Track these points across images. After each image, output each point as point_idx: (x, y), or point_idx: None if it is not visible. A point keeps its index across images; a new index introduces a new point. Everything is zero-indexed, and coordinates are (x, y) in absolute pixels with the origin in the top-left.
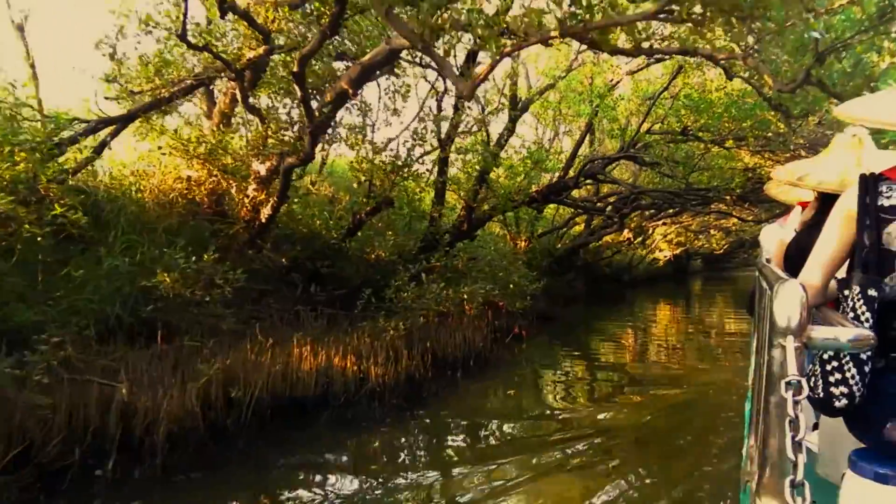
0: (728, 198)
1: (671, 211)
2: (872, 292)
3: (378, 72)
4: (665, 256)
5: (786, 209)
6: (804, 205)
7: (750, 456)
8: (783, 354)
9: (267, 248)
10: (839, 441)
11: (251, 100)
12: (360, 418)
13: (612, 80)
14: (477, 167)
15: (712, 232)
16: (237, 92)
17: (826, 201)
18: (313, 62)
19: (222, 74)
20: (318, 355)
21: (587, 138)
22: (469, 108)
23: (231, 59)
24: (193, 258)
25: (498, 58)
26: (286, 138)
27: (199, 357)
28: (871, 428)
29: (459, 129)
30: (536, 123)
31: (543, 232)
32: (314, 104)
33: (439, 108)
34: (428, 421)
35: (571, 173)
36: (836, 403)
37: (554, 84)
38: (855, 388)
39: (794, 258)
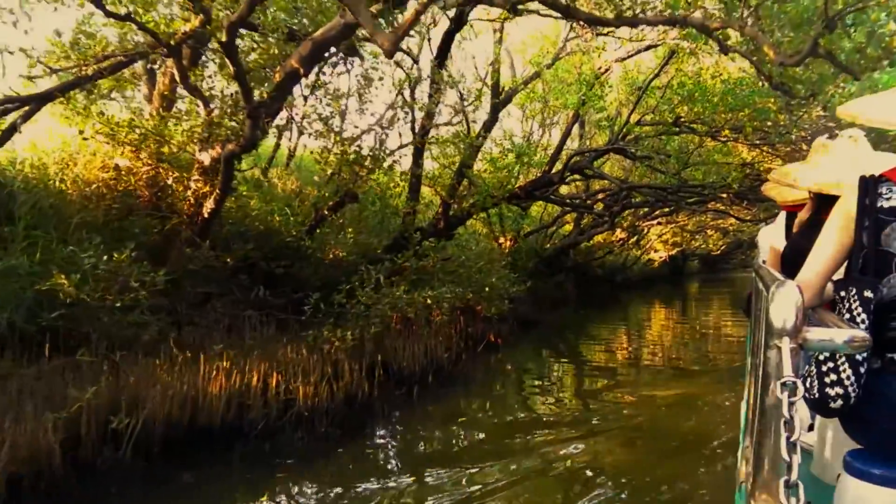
0: (725, 196)
1: (666, 210)
2: (868, 294)
3: (342, 54)
4: (660, 257)
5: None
6: (789, 208)
7: (745, 456)
8: (779, 355)
9: (206, 245)
10: (834, 442)
11: (194, 80)
12: (281, 452)
13: (600, 68)
14: (455, 160)
15: (709, 232)
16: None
17: (822, 203)
18: (261, 40)
19: (156, 51)
20: (235, 373)
21: (576, 132)
22: (443, 94)
23: (164, 32)
24: (106, 257)
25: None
26: (230, 123)
27: (100, 373)
28: (867, 429)
29: (435, 120)
30: (523, 117)
31: (530, 231)
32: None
33: (412, 96)
34: (368, 453)
35: (557, 168)
36: (832, 404)
37: (539, 74)
38: (850, 388)
39: (791, 260)
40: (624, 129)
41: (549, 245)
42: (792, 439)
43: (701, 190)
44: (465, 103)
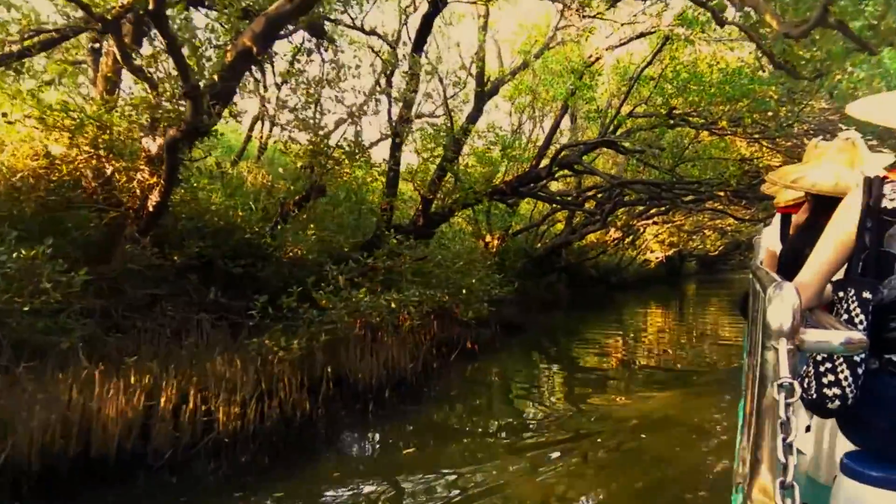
0: (722, 194)
1: (662, 209)
2: (867, 295)
3: (313, 38)
4: (657, 258)
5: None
6: (784, 210)
7: (742, 458)
8: (776, 357)
9: (147, 242)
10: (831, 444)
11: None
12: (190, 486)
13: (590, 57)
14: (438, 154)
15: (707, 233)
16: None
17: (820, 204)
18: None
19: (90, 26)
20: (139, 391)
21: (567, 126)
22: (423, 82)
23: (99, 5)
24: (16, 254)
25: None
26: (173, 107)
27: None
28: (864, 429)
29: (416, 110)
30: (511, 110)
31: (519, 230)
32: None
33: (388, 83)
34: (300, 485)
35: (545, 162)
36: (829, 405)
37: (527, 64)
38: (848, 389)
39: (789, 261)
40: (615, 121)
41: (539, 244)
42: (788, 440)
43: (697, 187)
44: (447, 93)
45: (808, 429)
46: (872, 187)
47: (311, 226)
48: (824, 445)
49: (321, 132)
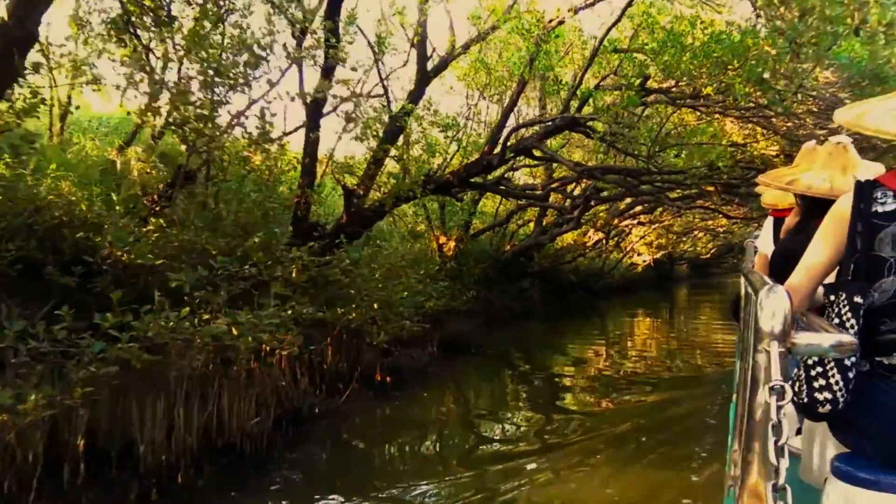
0: (712, 189)
1: (646, 206)
2: (858, 299)
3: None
4: (644, 261)
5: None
6: (776, 213)
7: (733, 461)
8: (767, 359)
9: None
10: (822, 446)
11: None
12: None
13: (551, 21)
14: (365, 139)
15: (698, 234)
16: None
17: (811, 207)
18: None
19: None
20: None
21: (530, 108)
22: (344, 53)
23: None
24: None
25: None
26: None
27: None
28: (855, 432)
29: (336, 84)
30: (467, 91)
31: (481, 230)
32: None
33: (299, 45)
34: None
35: (500, 150)
36: (820, 409)
37: (481, 35)
38: (839, 394)
39: (779, 264)
40: (577, 94)
41: (507, 247)
42: (780, 443)
43: (681, 178)
44: (388, 70)
45: (798, 431)
46: (863, 191)
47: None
48: (815, 448)
49: (210, 109)
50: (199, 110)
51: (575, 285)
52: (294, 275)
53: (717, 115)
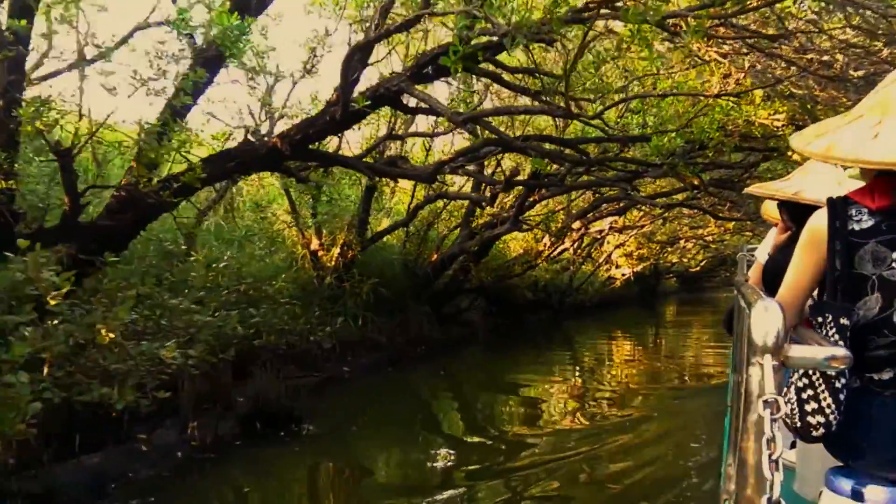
0: (697, 182)
1: (617, 206)
2: (844, 321)
3: None
4: (623, 275)
5: None
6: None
7: (728, 475)
8: (761, 373)
9: None
10: (817, 459)
11: None
12: None
13: None
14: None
15: (686, 245)
16: None
17: (802, 220)
18: None
19: None
20: None
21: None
22: None
23: None
24: None
25: None
26: None
27: None
28: (848, 447)
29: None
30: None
31: (381, 232)
32: None
33: None
34: None
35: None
36: (814, 433)
37: None
38: (831, 417)
39: (770, 279)
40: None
41: (434, 256)
42: (774, 457)
43: (651, 153)
44: None
45: (793, 445)
46: (837, 209)
47: None
48: (810, 461)
49: None
50: None
51: (535, 304)
52: None
53: (702, 50)
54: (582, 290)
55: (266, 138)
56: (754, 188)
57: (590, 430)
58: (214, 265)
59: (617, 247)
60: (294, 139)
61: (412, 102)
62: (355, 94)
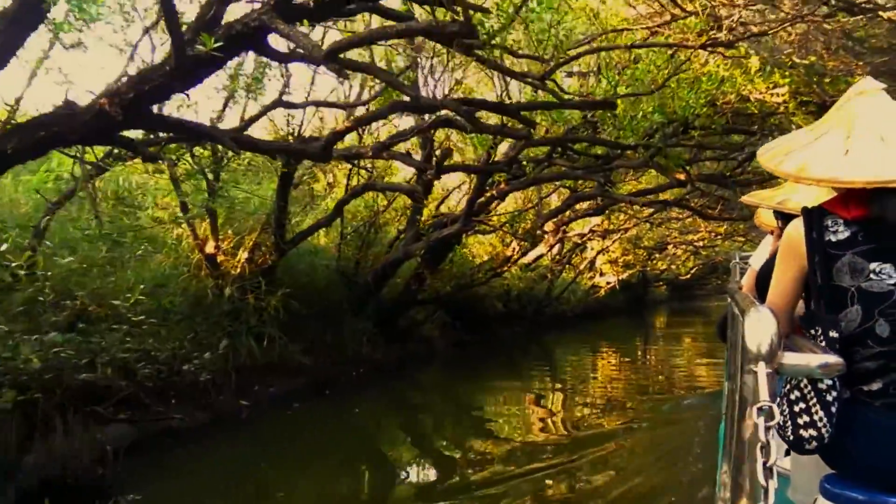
0: (682, 176)
1: (598, 203)
2: (834, 334)
3: None
4: (608, 283)
5: None
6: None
7: (723, 482)
8: (755, 380)
9: None
10: (811, 467)
11: None
12: None
13: None
14: None
15: (673, 250)
16: None
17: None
18: None
19: None
20: None
21: None
22: None
23: None
24: None
25: None
26: None
27: None
28: (841, 457)
29: None
30: None
31: (304, 231)
32: None
33: None
34: None
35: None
36: (807, 446)
37: None
38: (823, 430)
39: (764, 286)
40: None
41: (370, 261)
42: (769, 464)
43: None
44: None
45: (787, 452)
46: (813, 220)
47: None
48: (805, 469)
49: None
50: None
51: (507, 316)
52: None
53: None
54: (563, 300)
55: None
56: (746, 198)
57: (568, 464)
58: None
59: (599, 252)
60: (126, 99)
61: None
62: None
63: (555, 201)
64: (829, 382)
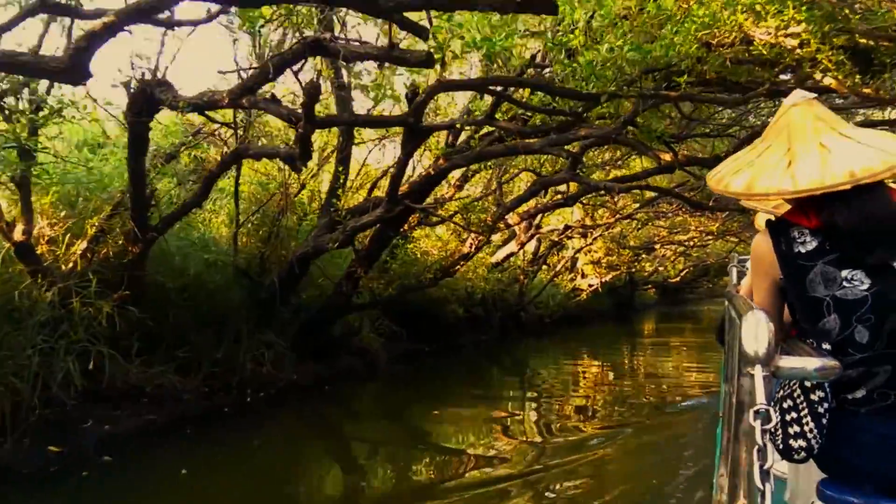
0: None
1: (571, 190)
2: (826, 346)
3: None
4: (591, 285)
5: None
6: None
7: (720, 485)
8: (751, 383)
9: None
10: (808, 470)
11: None
12: None
13: None
14: None
15: (661, 250)
16: None
17: None
18: None
19: None
20: None
21: None
22: None
23: None
24: None
25: None
26: None
27: None
28: (833, 464)
29: None
30: None
31: (167, 217)
32: None
33: None
34: None
35: None
36: (796, 456)
37: None
38: (813, 441)
39: None
40: None
41: (280, 256)
42: (765, 467)
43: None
44: None
45: None
46: (780, 233)
47: None
48: (801, 472)
49: None
50: None
51: (471, 322)
52: None
53: None
54: (540, 304)
55: None
56: (745, 202)
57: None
58: None
59: (578, 251)
60: None
61: None
62: None
63: (520, 187)
64: (822, 394)
